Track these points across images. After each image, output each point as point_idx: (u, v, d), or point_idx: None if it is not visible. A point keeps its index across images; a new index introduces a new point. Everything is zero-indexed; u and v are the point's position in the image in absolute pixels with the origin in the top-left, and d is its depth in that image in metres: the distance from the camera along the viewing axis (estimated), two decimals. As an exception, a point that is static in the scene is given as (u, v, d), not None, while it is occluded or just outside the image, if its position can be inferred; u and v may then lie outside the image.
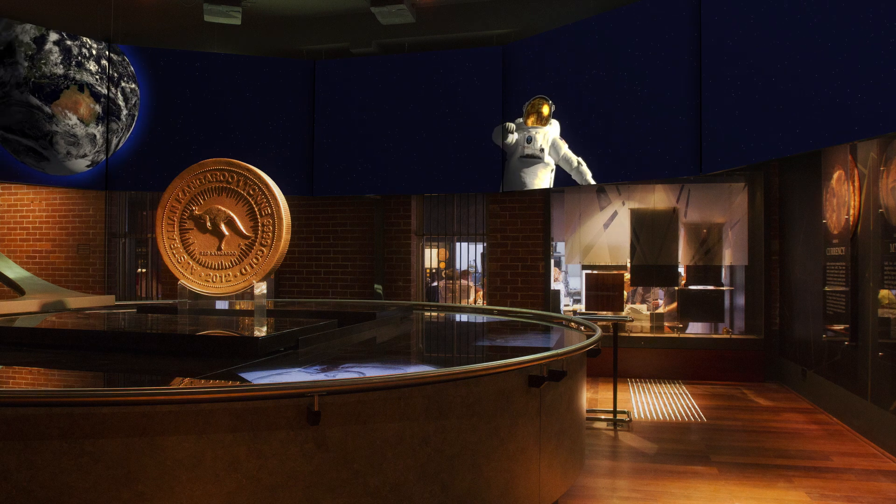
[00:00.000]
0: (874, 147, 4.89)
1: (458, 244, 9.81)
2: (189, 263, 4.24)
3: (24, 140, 6.06)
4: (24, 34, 5.99)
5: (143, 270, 9.32)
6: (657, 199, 7.83)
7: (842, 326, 5.45)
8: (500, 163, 7.31)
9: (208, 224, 4.23)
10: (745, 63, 5.05)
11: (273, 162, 7.64)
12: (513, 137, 6.14)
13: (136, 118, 6.74)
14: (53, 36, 6.05)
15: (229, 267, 4.19)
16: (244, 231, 4.18)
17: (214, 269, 4.21)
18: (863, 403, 5.04)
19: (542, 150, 5.72)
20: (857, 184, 5.18)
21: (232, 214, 4.20)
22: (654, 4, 6.01)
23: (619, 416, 5.46)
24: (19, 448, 2.07)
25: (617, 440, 4.97)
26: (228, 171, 4.22)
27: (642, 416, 5.73)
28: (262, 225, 4.14)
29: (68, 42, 6.08)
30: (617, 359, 5.68)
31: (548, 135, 6.20)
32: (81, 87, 6.22)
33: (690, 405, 6.16)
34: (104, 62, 6.20)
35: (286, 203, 4.23)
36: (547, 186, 6.32)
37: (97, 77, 6.40)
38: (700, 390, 6.87)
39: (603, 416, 5.55)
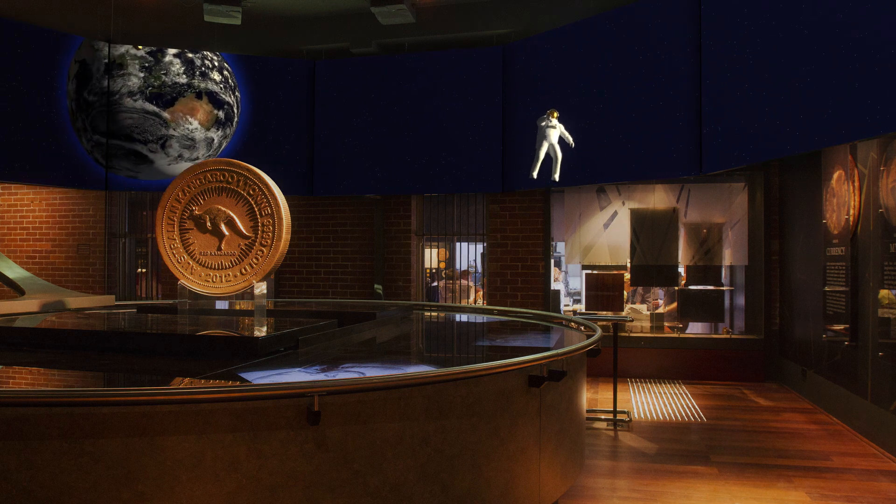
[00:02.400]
0: (874, 147, 4.88)
1: (458, 244, 9.81)
2: (189, 263, 4.24)
3: (127, 144, 6.60)
4: (135, 50, 6.74)
5: (143, 270, 9.32)
6: (657, 199, 7.83)
7: (842, 326, 5.45)
8: (499, 163, 7.31)
9: (208, 224, 4.23)
10: (745, 63, 5.05)
11: (276, 164, 7.64)
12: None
13: (238, 123, 7.26)
14: (172, 50, 6.71)
15: (229, 267, 4.19)
16: (244, 231, 4.18)
17: (214, 269, 4.21)
18: (863, 403, 5.04)
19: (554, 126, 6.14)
20: (857, 184, 5.18)
21: (232, 214, 4.20)
22: (654, 4, 6.01)
23: (619, 416, 5.46)
24: (19, 448, 2.07)
25: (617, 440, 4.97)
26: (228, 171, 4.22)
27: (642, 416, 5.73)
28: (262, 225, 4.14)
29: (189, 55, 6.72)
30: (617, 359, 5.68)
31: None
32: (199, 94, 6.77)
33: (690, 405, 6.16)
34: (225, 73, 6.79)
35: (286, 203, 4.23)
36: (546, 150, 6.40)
37: (221, 86, 6.98)
38: (700, 390, 6.87)
39: (603, 416, 5.55)
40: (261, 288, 4.13)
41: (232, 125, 7.27)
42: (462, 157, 7.42)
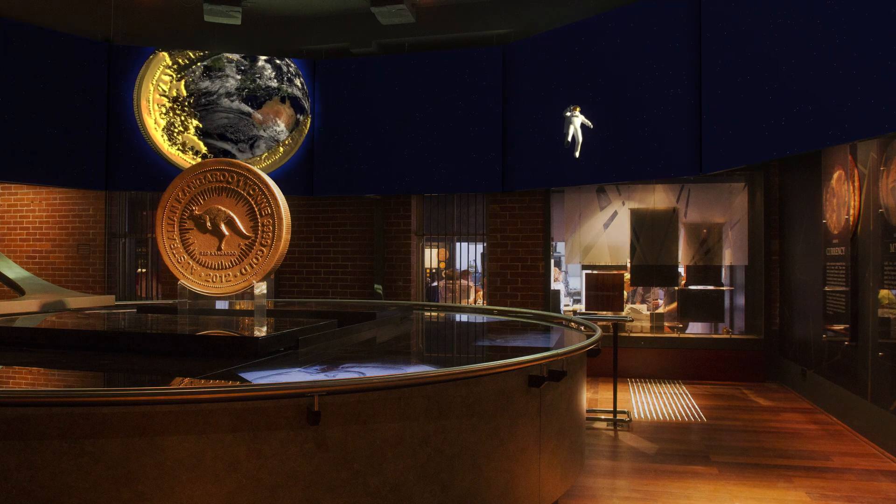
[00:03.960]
0: (874, 147, 4.88)
1: (458, 244, 9.81)
2: (189, 263, 4.24)
3: (219, 143, 7.06)
4: (230, 55, 7.29)
5: (143, 270, 9.32)
6: (657, 199, 7.83)
7: (842, 326, 5.45)
8: (500, 163, 7.31)
9: (208, 224, 4.23)
10: (746, 63, 5.05)
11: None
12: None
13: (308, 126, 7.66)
14: (263, 55, 7.23)
15: (229, 267, 4.19)
16: (244, 231, 4.18)
17: (214, 269, 4.21)
18: (863, 403, 5.04)
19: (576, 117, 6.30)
20: (857, 184, 5.18)
21: (232, 214, 4.20)
22: (654, 4, 6.01)
23: (619, 416, 5.46)
24: (19, 448, 2.07)
25: (617, 440, 4.97)
26: (228, 171, 4.22)
27: (642, 416, 5.73)
28: (262, 225, 4.14)
29: (277, 61, 7.25)
30: (617, 359, 5.68)
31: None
32: (283, 98, 7.22)
33: (690, 405, 6.16)
34: (302, 79, 7.30)
35: (286, 203, 4.23)
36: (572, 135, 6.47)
37: (302, 91, 7.45)
38: (700, 390, 6.87)
39: (603, 416, 5.55)
40: (261, 288, 4.13)
41: (307, 128, 7.80)
42: (462, 157, 7.42)
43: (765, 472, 4.21)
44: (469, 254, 9.69)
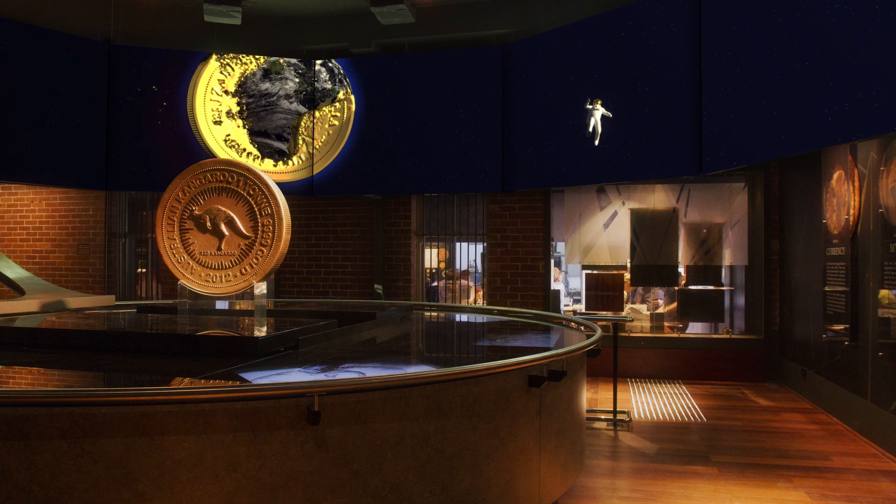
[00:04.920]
0: (874, 147, 4.88)
1: (458, 244, 9.80)
2: (189, 263, 4.24)
3: (276, 143, 7.41)
4: (286, 59, 7.61)
5: (143, 270, 9.32)
6: (657, 199, 7.83)
7: (842, 326, 5.45)
8: (499, 163, 7.31)
9: (208, 224, 4.23)
10: (745, 63, 5.05)
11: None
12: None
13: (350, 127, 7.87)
14: (318, 60, 7.63)
15: (229, 267, 4.19)
16: (244, 231, 4.18)
17: (214, 269, 4.21)
18: (863, 403, 5.04)
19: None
20: (857, 184, 5.18)
21: (232, 214, 4.20)
22: (654, 5, 6.00)
23: (619, 416, 5.46)
24: (19, 448, 2.07)
25: (617, 440, 4.97)
26: (228, 171, 4.22)
27: (642, 416, 5.73)
28: (262, 225, 4.14)
29: (329, 63, 7.60)
30: (617, 359, 5.68)
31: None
32: (334, 99, 7.55)
33: (690, 405, 6.16)
34: (348, 80, 7.58)
35: (286, 203, 4.23)
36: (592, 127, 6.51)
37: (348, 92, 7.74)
38: (700, 390, 6.87)
39: (603, 416, 5.55)
40: (261, 288, 4.13)
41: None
42: (462, 157, 7.42)
43: (765, 472, 4.21)
44: (469, 254, 9.69)
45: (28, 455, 2.08)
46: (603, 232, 7.99)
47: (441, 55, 7.52)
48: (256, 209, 4.16)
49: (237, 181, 4.20)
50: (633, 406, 6.10)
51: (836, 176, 5.70)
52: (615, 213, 7.97)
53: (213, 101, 7.46)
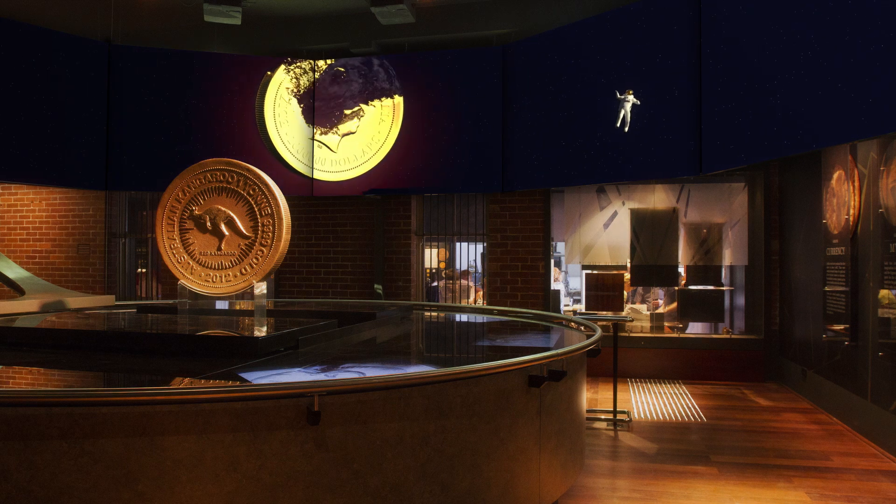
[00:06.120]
0: (874, 147, 4.88)
1: (458, 244, 9.80)
2: (189, 263, 4.24)
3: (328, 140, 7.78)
4: (352, 60, 7.91)
5: (143, 270, 9.32)
6: (657, 199, 7.83)
7: (842, 326, 5.45)
8: (499, 163, 7.31)
9: (208, 224, 4.23)
10: (746, 63, 5.05)
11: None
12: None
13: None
14: (376, 60, 7.79)
15: (229, 267, 4.19)
16: (244, 231, 4.18)
17: (214, 269, 4.21)
18: (863, 403, 5.04)
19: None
20: (857, 184, 5.18)
21: (232, 214, 4.20)
22: (654, 5, 6.01)
23: (619, 416, 5.46)
24: (19, 448, 2.07)
25: (617, 440, 4.97)
26: (228, 171, 4.22)
27: (642, 416, 5.73)
28: (262, 225, 4.14)
29: (385, 62, 7.78)
30: (617, 359, 5.67)
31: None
32: (392, 98, 7.79)
33: (690, 405, 6.16)
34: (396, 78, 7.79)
35: (286, 203, 4.23)
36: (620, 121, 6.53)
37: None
38: (700, 390, 6.87)
39: (603, 416, 5.55)
40: (261, 288, 4.13)
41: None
42: (462, 157, 7.42)
43: (765, 472, 4.21)
44: (469, 254, 9.68)
45: (28, 455, 2.08)
46: (603, 232, 7.99)
47: (441, 55, 7.52)
48: (256, 209, 4.16)
49: (237, 181, 4.20)
50: (633, 406, 6.10)
51: (836, 176, 5.70)
52: (615, 213, 7.97)
53: (283, 107, 7.73)
